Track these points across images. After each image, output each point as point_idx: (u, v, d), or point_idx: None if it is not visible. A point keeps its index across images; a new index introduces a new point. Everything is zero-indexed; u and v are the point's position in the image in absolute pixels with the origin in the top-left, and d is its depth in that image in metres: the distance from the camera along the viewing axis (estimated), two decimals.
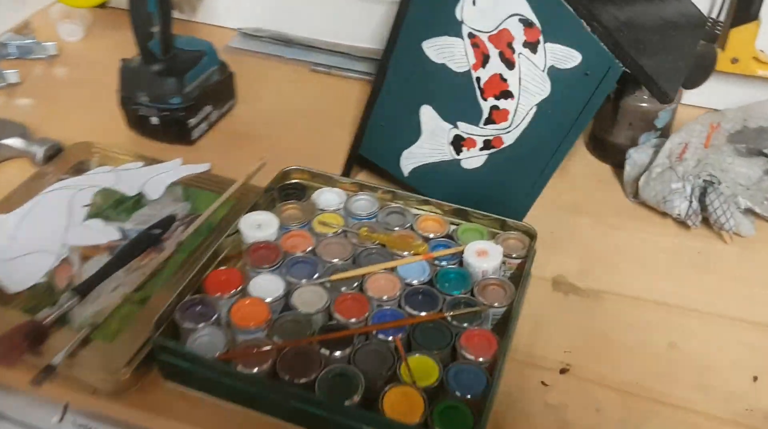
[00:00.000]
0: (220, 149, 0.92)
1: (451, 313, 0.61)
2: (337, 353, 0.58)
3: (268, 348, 0.58)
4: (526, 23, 0.61)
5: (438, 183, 0.75)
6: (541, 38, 0.61)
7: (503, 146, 0.68)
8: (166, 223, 0.74)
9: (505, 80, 0.64)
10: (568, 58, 0.60)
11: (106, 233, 0.73)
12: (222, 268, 0.66)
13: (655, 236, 0.78)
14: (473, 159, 0.71)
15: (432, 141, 0.72)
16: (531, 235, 0.70)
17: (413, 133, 0.73)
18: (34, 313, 0.64)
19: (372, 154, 0.79)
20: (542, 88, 0.63)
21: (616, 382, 0.63)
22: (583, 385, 0.62)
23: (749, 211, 0.78)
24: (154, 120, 0.88)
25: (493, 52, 0.63)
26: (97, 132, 0.92)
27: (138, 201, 0.79)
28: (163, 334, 0.60)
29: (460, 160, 0.72)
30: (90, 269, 0.69)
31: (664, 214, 0.80)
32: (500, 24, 0.62)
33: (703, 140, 0.78)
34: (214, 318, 0.61)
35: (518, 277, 0.68)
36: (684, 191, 0.76)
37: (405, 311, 0.63)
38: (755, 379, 0.63)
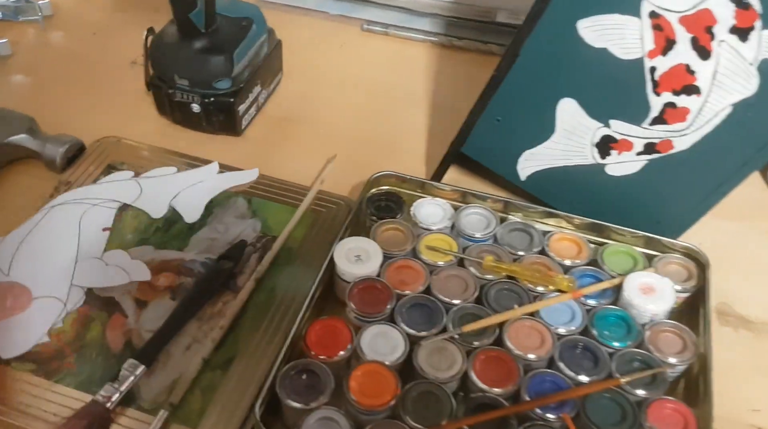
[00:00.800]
0: (272, 140, 0.76)
1: (628, 379, 0.49)
2: None
3: None
4: (741, 4, 0.45)
5: (569, 191, 0.61)
6: (758, 24, 0.45)
7: (672, 152, 0.54)
8: (238, 251, 0.59)
9: (692, 72, 0.49)
10: None
11: (131, 270, 0.58)
12: (322, 318, 0.52)
13: None
14: (624, 164, 0.57)
15: (568, 141, 0.57)
16: (699, 260, 0.56)
17: (543, 131, 0.58)
18: (90, 388, 0.50)
19: (478, 153, 0.64)
20: (745, 86, 0.48)
21: None
22: None
23: None
24: (196, 107, 0.71)
25: (683, 37, 0.48)
26: (117, 120, 0.75)
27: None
28: (261, 416, 0.47)
29: (605, 164, 0.58)
30: (150, 319, 0.55)
31: None
32: (700, 3, 0.46)
33: None
34: (327, 392, 0.48)
35: (685, 315, 0.55)
36: None
37: (564, 374, 0.50)
38: None
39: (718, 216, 0.59)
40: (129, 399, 0.49)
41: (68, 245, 0.60)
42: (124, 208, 0.64)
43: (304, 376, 0.49)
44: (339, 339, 0.51)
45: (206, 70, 0.69)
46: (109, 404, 0.48)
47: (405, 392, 0.48)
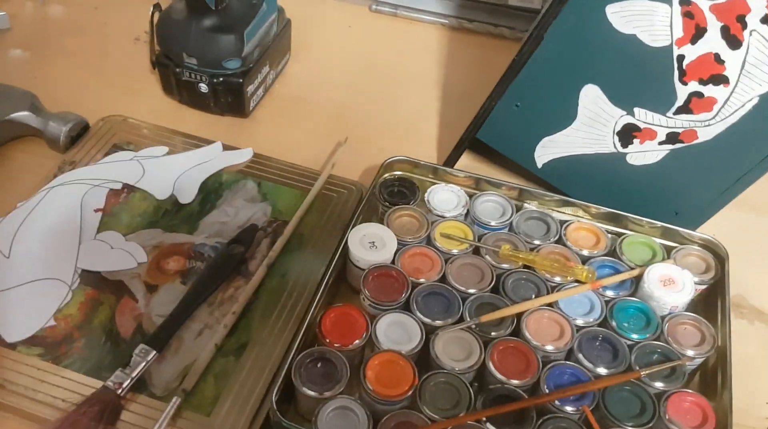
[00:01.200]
0: (280, 122, 0.74)
1: (648, 371, 0.48)
2: None
3: None
4: None
5: (587, 180, 0.60)
6: None
7: (695, 142, 0.53)
8: (249, 235, 0.58)
9: (721, 62, 0.48)
10: None
11: (124, 254, 0.57)
12: (336, 305, 0.51)
13: None
14: (645, 154, 0.56)
15: (590, 129, 0.56)
16: (719, 253, 0.56)
17: (563, 117, 0.57)
18: (99, 374, 0.49)
19: (495, 139, 0.63)
20: None
21: None
22: None
23: None
24: (203, 87, 0.69)
25: (713, 26, 0.46)
26: (121, 99, 0.73)
27: (204, 202, 0.62)
28: (278, 403, 0.46)
29: (626, 153, 0.57)
30: (161, 304, 0.53)
31: None
32: None
33: None
34: (343, 381, 0.47)
35: (703, 307, 0.55)
36: None
37: (584, 366, 0.49)
38: None
39: (733, 207, 0.59)
40: (140, 385, 0.48)
41: (71, 226, 0.59)
42: (127, 188, 0.62)
43: (319, 365, 0.48)
44: (354, 327, 0.50)
45: (216, 49, 0.67)
46: (120, 391, 0.47)
47: (422, 382, 0.47)
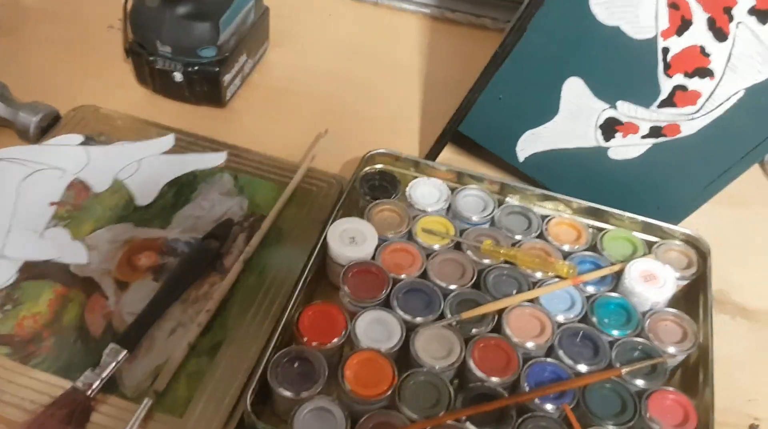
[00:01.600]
0: (257, 112, 0.72)
1: (628, 369, 0.48)
2: None
3: None
4: None
5: (568, 174, 0.59)
6: None
7: (678, 136, 0.52)
8: (225, 230, 0.56)
9: (707, 55, 0.47)
10: None
11: (68, 251, 0.54)
12: (315, 303, 0.50)
13: None
14: (628, 148, 0.55)
15: (572, 122, 0.55)
16: (700, 248, 0.55)
17: (546, 111, 0.56)
18: (69, 374, 0.47)
19: (476, 132, 0.62)
20: (760, 70, 0.46)
21: None
22: None
23: None
24: (178, 76, 0.67)
25: (699, 18, 0.46)
26: (94, 88, 0.71)
27: (178, 195, 0.60)
28: (253, 404, 0.44)
29: (608, 148, 0.56)
30: (132, 301, 0.52)
31: None
32: None
33: None
34: (320, 381, 0.46)
35: (684, 303, 0.54)
36: None
37: (564, 364, 0.49)
38: None
39: (716, 202, 0.58)
40: (110, 386, 0.47)
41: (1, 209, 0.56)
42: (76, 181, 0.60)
43: (296, 364, 0.46)
44: (333, 325, 0.49)
45: (191, 36, 0.65)
46: (89, 392, 0.45)
47: (402, 381, 0.46)
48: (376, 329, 0.49)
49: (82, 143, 0.63)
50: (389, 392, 0.45)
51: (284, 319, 0.48)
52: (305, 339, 0.47)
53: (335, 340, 0.48)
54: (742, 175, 0.56)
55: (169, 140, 0.65)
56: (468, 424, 0.45)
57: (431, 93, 0.77)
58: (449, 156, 0.69)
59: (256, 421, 0.43)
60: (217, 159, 0.64)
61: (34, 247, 0.54)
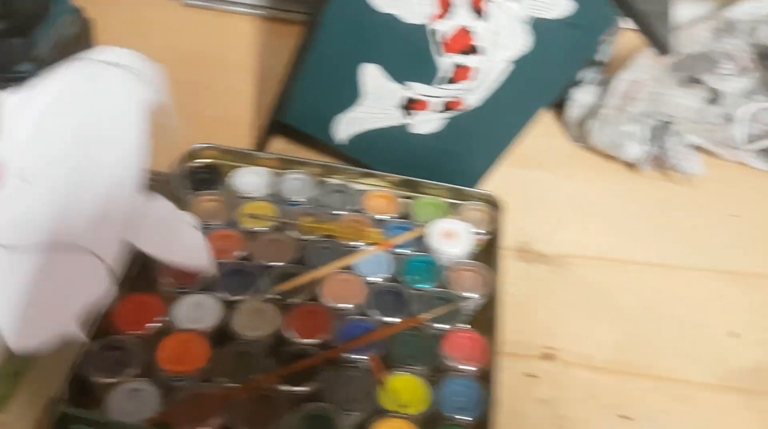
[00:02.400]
0: None
1: (428, 316, 0.53)
2: (303, 389, 0.48)
3: (214, 397, 0.47)
4: None
5: (383, 151, 0.64)
6: None
7: (464, 108, 0.58)
8: None
9: (472, 34, 0.53)
10: (554, 5, 0.49)
11: None
12: (133, 294, 0.52)
13: (610, 185, 0.73)
14: (426, 123, 0.60)
15: (377, 104, 0.60)
16: (494, 205, 0.62)
17: (353, 96, 0.60)
18: None
19: (299, 121, 0.65)
20: (520, 42, 0.53)
21: (602, 360, 0.58)
22: (571, 370, 0.57)
23: (696, 148, 0.75)
24: None
25: (460, 0, 0.51)
26: None
27: None
28: (72, 396, 0.46)
29: (410, 124, 0.61)
30: None
31: (611, 158, 0.75)
32: None
33: (652, 76, 0.73)
34: (135, 365, 0.48)
35: (485, 255, 0.60)
36: (638, 134, 0.71)
37: (376, 320, 0.53)
38: (734, 334, 0.62)
39: (511, 165, 0.65)
40: None
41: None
42: None
43: (113, 352, 0.48)
44: (150, 312, 0.51)
45: (4, 53, 0.65)
46: None
47: (217, 355, 0.49)
48: (197, 312, 0.52)
49: None
50: (205, 366, 0.48)
51: (102, 311, 0.50)
52: (120, 327, 0.49)
53: (148, 325, 0.50)
54: (530, 138, 0.63)
55: None
56: (283, 386, 0.48)
57: (265, 89, 0.80)
58: (284, 147, 0.72)
59: (64, 405, 0.44)
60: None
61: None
